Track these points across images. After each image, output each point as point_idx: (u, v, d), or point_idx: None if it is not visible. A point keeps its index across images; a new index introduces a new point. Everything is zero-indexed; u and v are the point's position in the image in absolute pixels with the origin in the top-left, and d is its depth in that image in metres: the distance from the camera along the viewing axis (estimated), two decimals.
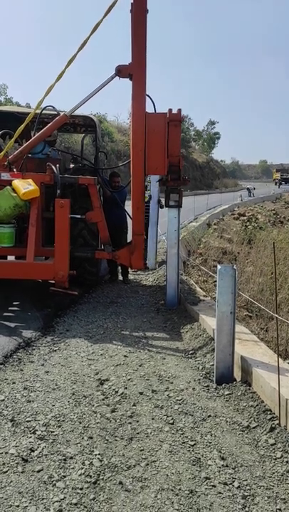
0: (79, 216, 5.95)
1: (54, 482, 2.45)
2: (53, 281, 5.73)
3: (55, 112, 6.37)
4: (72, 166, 7.38)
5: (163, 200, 6.26)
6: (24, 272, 5.62)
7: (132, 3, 5.50)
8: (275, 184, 61.85)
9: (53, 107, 6.43)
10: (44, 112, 6.38)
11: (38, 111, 6.17)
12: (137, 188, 5.81)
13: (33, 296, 6.17)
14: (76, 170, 6.72)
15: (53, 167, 5.75)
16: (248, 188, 41.64)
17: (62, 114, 6.02)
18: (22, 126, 5.91)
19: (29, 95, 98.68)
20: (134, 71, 5.60)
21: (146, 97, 5.69)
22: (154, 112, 5.88)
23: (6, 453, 2.69)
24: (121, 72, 5.65)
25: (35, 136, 6.05)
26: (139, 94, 5.65)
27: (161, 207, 6.96)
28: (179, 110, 5.77)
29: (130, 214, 6.12)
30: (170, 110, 5.72)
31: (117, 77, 5.69)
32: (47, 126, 6.07)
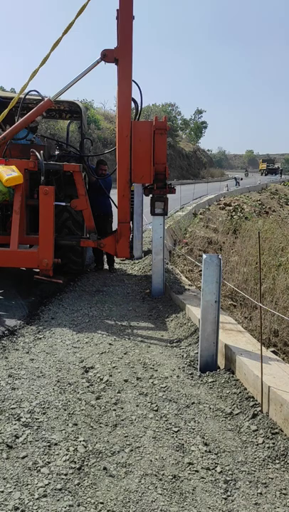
0: (64, 204, 5.89)
1: (39, 468, 2.46)
2: (37, 270, 5.69)
3: (40, 97, 6.25)
4: (57, 152, 7.28)
5: None
6: (8, 259, 5.56)
7: (117, 10, 5.40)
8: (262, 174, 62.43)
9: (37, 92, 6.30)
10: (28, 96, 6.25)
11: (22, 95, 6.04)
12: (123, 175, 5.76)
13: (18, 284, 6.12)
14: (61, 157, 6.63)
15: (37, 153, 5.66)
16: (235, 178, 42.29)
17: (46, 99, 5.90)
18: (5, 111, 5.79)
19: (15, 80, 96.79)
20: (120, 56, 5.52)
21: (132, 82, 5.63)
22: (140, 97, 5.86)
23: None
24: (107, 56, 5.56)
25: (19, 121, 5.94)
26: (124, 79, 5.58)
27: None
28: (165, 118, 5.75)
29: (115, 202, 6.08)
30: (156, 118, 5.71)
31: (103, 62, 5.60)
32: (31, 111, 5.95)
